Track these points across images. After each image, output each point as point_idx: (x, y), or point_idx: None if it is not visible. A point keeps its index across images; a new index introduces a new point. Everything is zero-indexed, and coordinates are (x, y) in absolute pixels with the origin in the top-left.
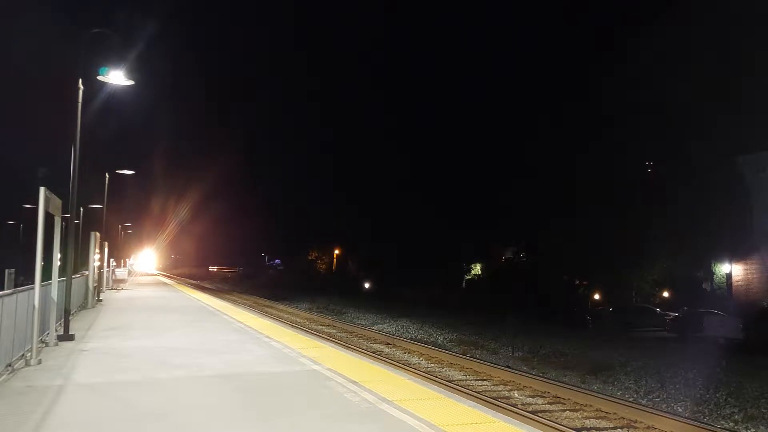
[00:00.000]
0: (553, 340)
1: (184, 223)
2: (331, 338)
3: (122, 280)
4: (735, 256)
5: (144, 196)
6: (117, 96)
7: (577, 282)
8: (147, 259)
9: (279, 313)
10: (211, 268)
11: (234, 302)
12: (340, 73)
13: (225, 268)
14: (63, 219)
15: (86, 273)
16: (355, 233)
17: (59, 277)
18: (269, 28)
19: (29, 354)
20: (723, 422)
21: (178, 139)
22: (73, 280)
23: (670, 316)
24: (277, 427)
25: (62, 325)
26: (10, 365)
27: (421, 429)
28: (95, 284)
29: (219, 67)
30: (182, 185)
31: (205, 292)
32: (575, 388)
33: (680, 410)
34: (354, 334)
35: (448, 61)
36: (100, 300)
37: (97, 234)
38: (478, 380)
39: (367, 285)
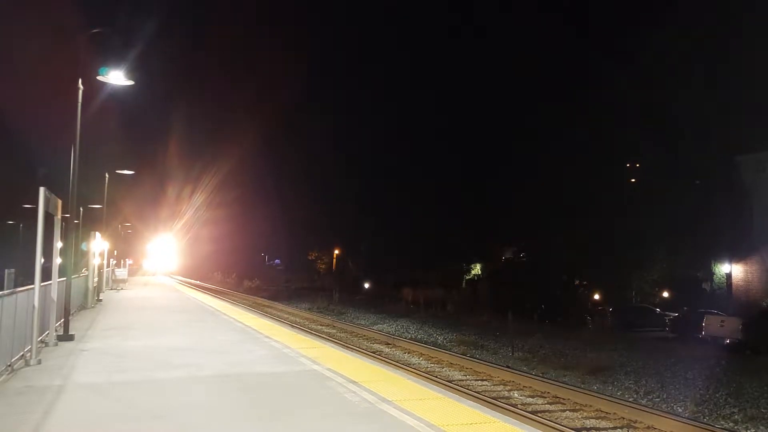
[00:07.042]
0: (553, 340)
1: (185, 225)
2: (331, 338)
3: (122, 280)
4: (735, 256)
5: (143, 198)
6: (118, 95)
7: (577, 282)
8: (152, 259)
9: (279, 313)
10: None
11: (234, 302)
12: (340, 74)
13: (227, 269)
14: (63, 219)
15: (86, 273)
16: (356, 233)
17: (59, 277)
18: (270, 27)
19: (29, 354)
20: (723, 422)
21: (178, 140)
22: (72, 280)
23: (670, 316)
24: (277, 426)
25: (62, 325)
26: (10, 365)
27: (421, 429)
28: (95, 284)
29: (219, 67)
30: (182, 186)
31: (205, 292)
32: (575, 388)
33: (680, 410)
34: (354, 334)
35: (447, 61)
36: (100, 300)
37: (98, 234)
38: (478, 380)
39: (367, 285)
